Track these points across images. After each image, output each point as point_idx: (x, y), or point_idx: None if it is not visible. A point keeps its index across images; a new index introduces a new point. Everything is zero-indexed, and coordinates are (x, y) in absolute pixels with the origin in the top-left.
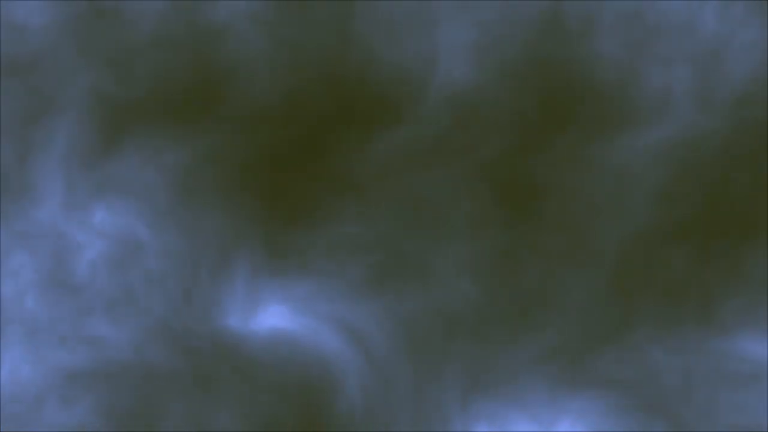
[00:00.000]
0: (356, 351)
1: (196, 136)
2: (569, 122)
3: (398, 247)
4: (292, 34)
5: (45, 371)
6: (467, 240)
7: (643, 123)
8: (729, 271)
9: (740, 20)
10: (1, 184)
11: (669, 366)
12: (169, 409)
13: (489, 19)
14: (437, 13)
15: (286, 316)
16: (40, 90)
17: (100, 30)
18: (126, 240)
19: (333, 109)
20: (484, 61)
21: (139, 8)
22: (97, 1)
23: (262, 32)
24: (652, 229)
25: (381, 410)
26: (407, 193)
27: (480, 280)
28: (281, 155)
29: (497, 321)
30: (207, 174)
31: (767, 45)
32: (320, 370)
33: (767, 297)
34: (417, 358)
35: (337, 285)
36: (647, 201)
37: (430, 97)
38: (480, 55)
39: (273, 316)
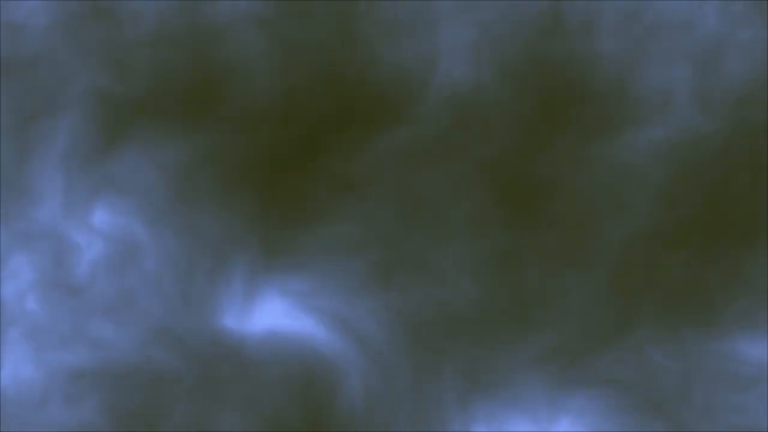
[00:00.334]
0: (356, 350)
1: (196, 135)
2: (569, 122)
3: (398, 247)
4: (292, 33)
5: (46, 371)
6: (467, 239)
7: (643, 123)
8: (729, 272)
9: (740, 20)
10: (0, 184)
11: (668, 367)
12: (170, 409)
13: (489, 19)
14: (437, 13)
15: (286, 315)
16: (39, 90)
17: (100, 30)
18: (126, 240)
19: (333, 109)
20: (484, 61)
21: (139, 8)
22: (97, 1)
23: (262, 32)
24: (653, 229)
25: (380, 409)
26: (407, 192)
27: (480, 279)
28: (281, 154)
29: (496, 321)
30: (207, 173)
31: (767, 45)
32: (320, 370)
33: (767, 299)
34: (416, 357)
35: (337, 284)
36: (647, 201)
37: (430, 97)
38: (480, 55)
39: (272, 315)
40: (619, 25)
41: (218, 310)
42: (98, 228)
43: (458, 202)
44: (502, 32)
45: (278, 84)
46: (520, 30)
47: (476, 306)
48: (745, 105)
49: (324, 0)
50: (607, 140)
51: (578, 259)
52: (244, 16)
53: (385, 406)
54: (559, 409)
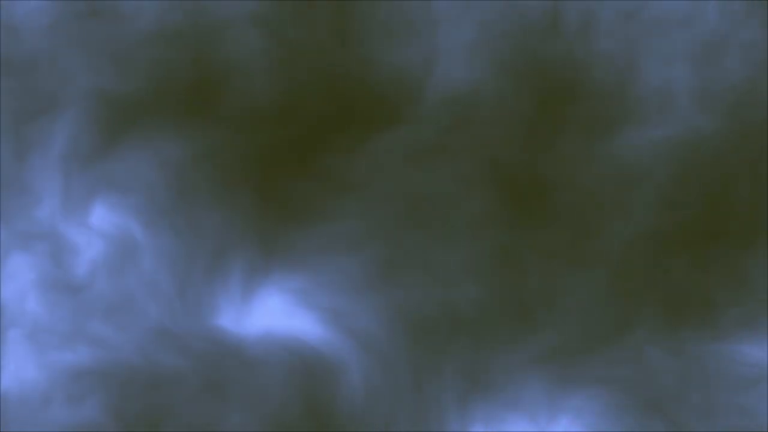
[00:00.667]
0: (356, 349)
1: (196, 134)
2: (568, 122)
3: (398, 245)
4: (291, 33)
5: (48, 372)
6: (467, 239)
7: (643, 123)
8: (729, 272)
9: (740, 20)
10: (0, 184)
11: (668, 367)
12: (171, 408)
13: (489, 18)
14: (437, 12)
15: (285, 313)
16: (37, 89)
17: (99, 29)
18: (125, 239)
19: (333, 108)
20: (483, 60)
21: (138, 7)
22: (96, 1)
23: (261, 31)
24: (653, 229)
25: (380, 408)
26: (407, 191)
27: (479, 279)
28: (280, 154)
29: (496, 320)
30: (206, 172)
31: (767, 45)
32: (319, 369)
33: (767, 300)
34: (416, 356)
35: (337, 283)
36: (647, 201)
37: (430, 96)
38: (480, 54)
39: (272, 313)
40: (619, 24)
41: (218, 308)
42: (97, 227)
43: (458, 202)
44: (502, 32)
45: (277, 83)
46: (520, 29)
47: (475, 305)
48: (746, 105)
49: (323, 0)
50: (607, 140)
51: (578, 259)
52: (244, 16)
53: (385, 404)
54: (558, 409)
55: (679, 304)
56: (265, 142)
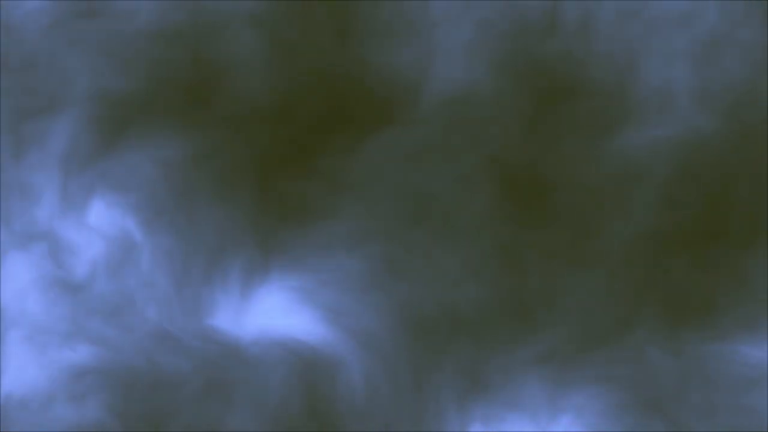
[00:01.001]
0: (355, 349)
1: (195, 134)
2: (569, 122)
3: (397, 245)
4: (290, 33)
5: (47, 372)
6: (467, 238)
7: (643, 122)
8: (730, 273)
9: (740, 20)
10: None
11: (668, 367)
12: (171, 408)
13: (488, 18)
14: (436, 11)
15: (285, 313)
16: (36, 89)
17: (98, 29)
18: (124, 239)
19: (331, 108)
20: (483, 60)
21: (138, 7)
22: (95, 0)
23: (260, 32)
24: (653, 229)
25: (379, 409)
26: (407, 191)
27: (480, 279)
28: (279, 153)
29: (496, 320)
30: (205, 171)
31: (767, 45)
32: (319, 369)
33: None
34: (417, 355)
35: (336, 283)
36: (647, 201)
37: (429, 96)
38: (479, 54)
39: (271, 313)
40: (618, 24)
41: (218, 308)
42: (96, 227)
43: (458, 202)
44: (501, 31)
45: (276, 83)
46: (519, 29)
47: (476, 305)
48: (746, 105)
49: (321, 0)
50: (607, 140)
51: (578, 258)
52: (244, 16)
53: (385, 404)
54: (558, 409)
55: (679, 304)
56: (264, 141)
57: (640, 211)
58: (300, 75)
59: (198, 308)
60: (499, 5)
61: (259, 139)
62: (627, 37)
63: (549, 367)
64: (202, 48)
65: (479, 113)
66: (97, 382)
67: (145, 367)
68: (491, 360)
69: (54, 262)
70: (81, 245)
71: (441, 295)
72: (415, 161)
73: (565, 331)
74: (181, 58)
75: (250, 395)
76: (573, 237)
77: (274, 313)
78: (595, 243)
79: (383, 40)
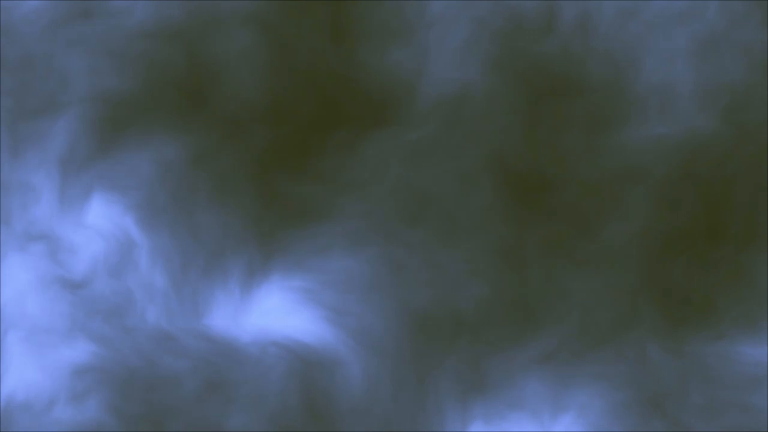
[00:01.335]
0: (356, 349)
1: (194, 134)
2: (568, 121)
3: (398, 245)
4: (287, 33)
5: (47, 373)
6: (468, 238)
7: (643, 122)
8: (730, 272)
9: (740, 20)
10: None
11: (669, 367)
12: (171, 409)
13: (486, 16)
14: (434, 9)
15: (285, 313)
16: (35, 89)
17: (97, 29)
18: (124, 239)
19: (328, 108)
20: (481, 58)
21: (137, 7)
22: (94, 1)
23: (258, 32)
24: (653, 229)
25: (380, 409)
26: (406, 190)
27: (481, 278)
28: (278, 154)
29: (498, 319)
30: (205, 172)
31: (767, 45)
32: (319, 369)
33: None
34: (417, 355)
35: (337, 283)
36: (647, 200)
37: (428, 95)
38: (478, 52)
39: (271, 313)
40: (618, 23)
41: (217, 308)
42: (96, 227)
43: (458, 201)
44: (499, 30)
45: (274, 83)
46: (516, 28)
47: (477, 304)
48: (746, 105)
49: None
50: (607, 138)
51: (579, 258)
52: (243, 16)
53: (386, 404)
54: (560, 408)
55: (679, 303)
56: (263, 142)
57: (640, 210)
58: (297, 75)
59: (197, 308)
60: (495, 4)
61: (258, 139)
62: (626, 36)
63: (550, 366)
64: (200, 48)
65: (477, 112)
66: (97, 382)
67: (145, 367)
68: (492, 359)
69: (53, 262)
70: (80, 245)
71: (442, 294)
72: (413, 161)
73: (565, 331)
74: (179, 58)
75: (250, 395)
76: (573, 236)
77: (274, 313)
78: (595, 242)
79: (380, 39)
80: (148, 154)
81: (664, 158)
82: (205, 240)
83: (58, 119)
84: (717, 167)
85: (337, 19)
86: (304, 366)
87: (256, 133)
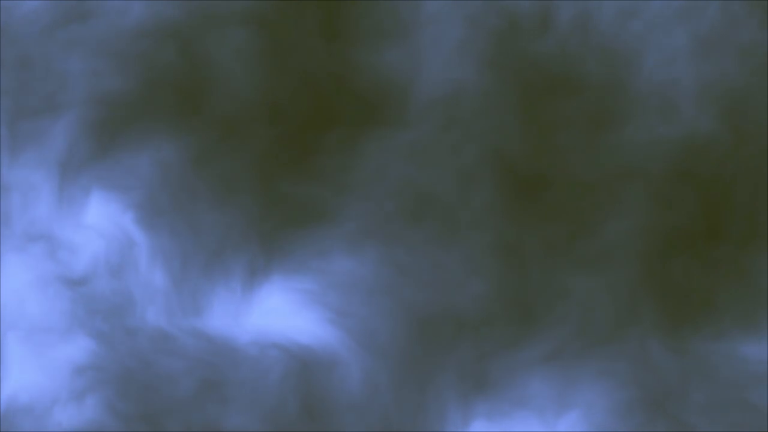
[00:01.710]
0: (357, 349)
1: (194, 134)
2: (568, 120)
3: (398, 246)
4: (285, 32)
5: (47, 373)
6: (469, 237)
7: (642, 122)
8: (731, 270)
9: (740, 20)
10: None
11: (670, 365)
12: (170, 408)
13: (485, 15)
14: (428, 9)
15: (285, 314)
16: (35, 90)
17: (95, 30)
18: (123, 240)
19: (325, 108)
20: (476, 58)
21: (135, 8)
22: (92, 1)
23: (254, 33)
24: (654, 227)
25: (381, 409)
26: (406, 190)
27: (481, 277)
28: (277, 154)
29: (499, 319)
30: (205, 172)
31: (767, 45)
32: (320, 370)
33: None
34: (419, 355)
35: (337, 284)
36: (648, 199)
37: (424, 94)
38: (476, 51)
39: (271, 314)
40: (618, 22)
41: (217, 308)
42: (95, 227)
43: (458, 200)
44: (496, 28)
45: (272, 82)
46: (514, 26)
47: (478, 303)
48: (746, 105)
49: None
50: (606, 137)
51: (579, 257)
52: (241, 16)
53: (387, 403)
54: (562, 407)
55: (680, 302)
56: (261, 142)
57: (640, 209)
58: (293, 75)
59: (197, 308)
60: (490, 4)
61: (255, 139)
62: (625, 35)
63: (552, 365)
64: (198, 48)
65: (473, 112)
66: (97, 381)
67: (144, 367)
68: (495, 358)
69: (53, 262)
70: (80, 245)
71: (443, 294)
72: (412, 161)
73: (566, 330)
74: (176, 58)
75: (250, 396)
76: (574, 235)
77: (274, 313)
78: (595, 241)
79: (376, 39)
80: (147, 153)
81: (663, 157)
82: (205, 240)
83: (57, 119)
84: (717, 166)
85: (333, 19)
86: (306, 366)
87: (254, 133)
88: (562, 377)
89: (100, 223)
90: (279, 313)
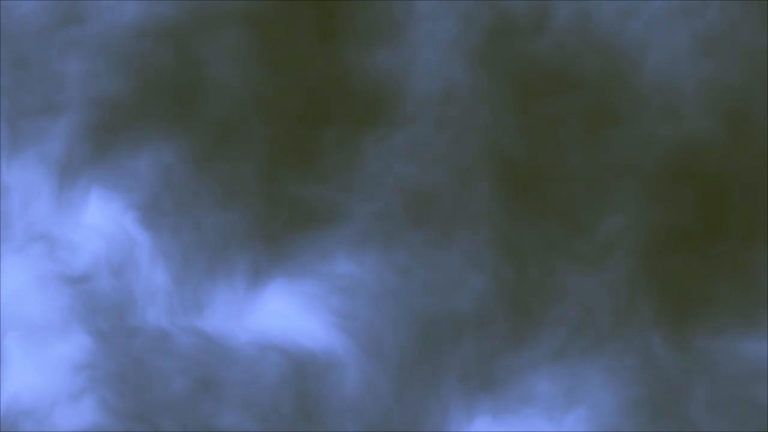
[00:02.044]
0: (358, 349)
1: (191, 135)
2: (564, 117)
3: (399, 247)
4: (279, 32)
5: (47, 373)
6: (469, 236)
7: (642, 121)
8: (731, 268)
9: (740, 20)
10: None
11: (670, 363)
12: (169, 407)
13: (475, 13)
14: (422, 9)
15: (285, 314)
16: (35, 90)
17: (94, 31)
18: (123, 240)
19: (320, 108)
20: (473, 56)
21: (133, 9)
22: (92, 1)
23: (250, 33)
24: (653, 225)
25: (383, 407)
26: (404, 190)
27: (482, 277)
28: (272, 155)
29: (500, 317)
30: (204, 173)
31: (767, 45)
32: (321, 370)
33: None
34: (420, 355)
35: (338, 284)
36: (648, 198)
37: (421, 93)
38: (467, 50)
39: (271, 314)
40: (615, 20)
41: (217, 308)
42: (95, 227)
43: (456, 199)
44: (490, 27)
45: (267, 82)
46: (510, 25)
47: (479, 302)
48: (746, 104)
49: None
50: (605, 136)
51: (579, 255)
52: (236, 16)
53: (388, 404)
54: (567, 405)
55: (680, 300)
56: (258, 142)
57: (638, 207)
58: (287, 75)
59: (198, 308)
60: (484, 3)
61: (254, 140)
62: (624, 34)
63: (554, 363)
64: (193, 49)
65: (468, 110)
66: (96, 381)
67: (144, 367)
68: (497, 357)
69: (53, 262)
70: (79, 244)
71: (444, 294)
72: (410, 160)
73: (567, 328)
74: (172, 59)
75: (248, 396)
76: (573, 233)
77: (275, 314)
78: (595, 239)
79: (370, 39)
80: (146, 154)
81: (662, 155)
82: (205, 240)
83: (57, 119)
84: (716, 165)
85: (328, 19)
86: (306, 367)
87: (251, 133)
88: (567, 375)
89: (100, 223)
90: (279, 314)
